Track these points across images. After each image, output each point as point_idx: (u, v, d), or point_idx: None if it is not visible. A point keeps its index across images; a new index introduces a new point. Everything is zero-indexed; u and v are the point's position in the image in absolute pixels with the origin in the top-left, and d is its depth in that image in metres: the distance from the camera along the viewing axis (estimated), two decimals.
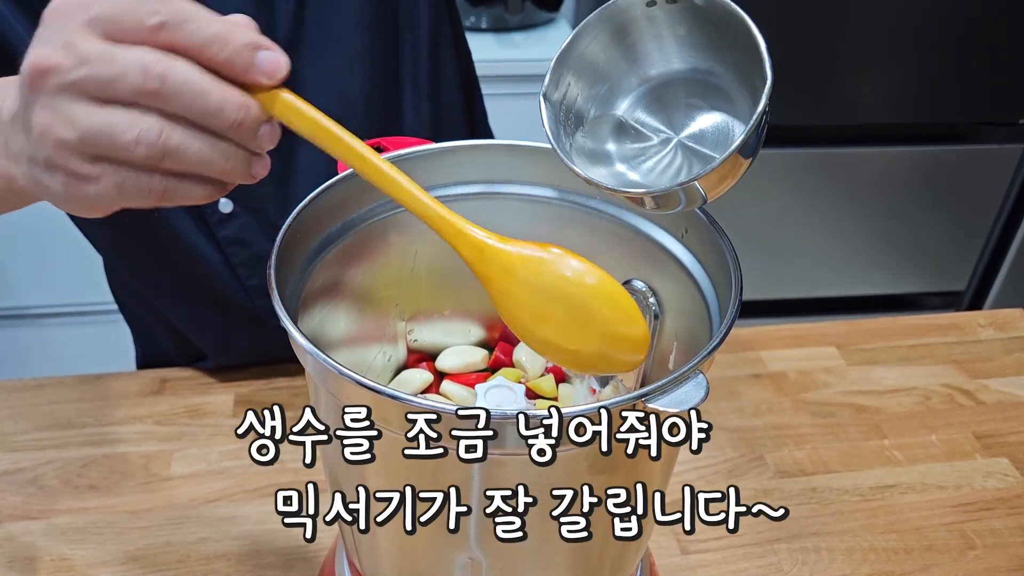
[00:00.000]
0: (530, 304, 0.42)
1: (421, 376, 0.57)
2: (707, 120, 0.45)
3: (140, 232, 0.77)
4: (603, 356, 0.43)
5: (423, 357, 0.59)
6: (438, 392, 0.56)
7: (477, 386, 0.54)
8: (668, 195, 0.42)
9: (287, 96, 0.38)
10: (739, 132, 0.42)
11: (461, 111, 0.87)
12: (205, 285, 0.79)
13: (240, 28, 0.36)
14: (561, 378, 0.58)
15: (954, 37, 1.56)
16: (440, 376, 0.58)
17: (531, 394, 0.55)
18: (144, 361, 0.95)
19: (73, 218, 0.84)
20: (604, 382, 0.57)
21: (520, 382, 0.55)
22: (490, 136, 0.96)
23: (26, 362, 1.86)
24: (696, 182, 0.41)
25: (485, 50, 1.63)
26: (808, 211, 1.71)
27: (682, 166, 0.45)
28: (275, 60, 0.37)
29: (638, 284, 0.52)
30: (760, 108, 0.39)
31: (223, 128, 0.37)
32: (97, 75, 0.35)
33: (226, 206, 0.74)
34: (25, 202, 0.48)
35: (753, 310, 1.74)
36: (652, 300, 0.51)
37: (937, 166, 1.70)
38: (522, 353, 0.57)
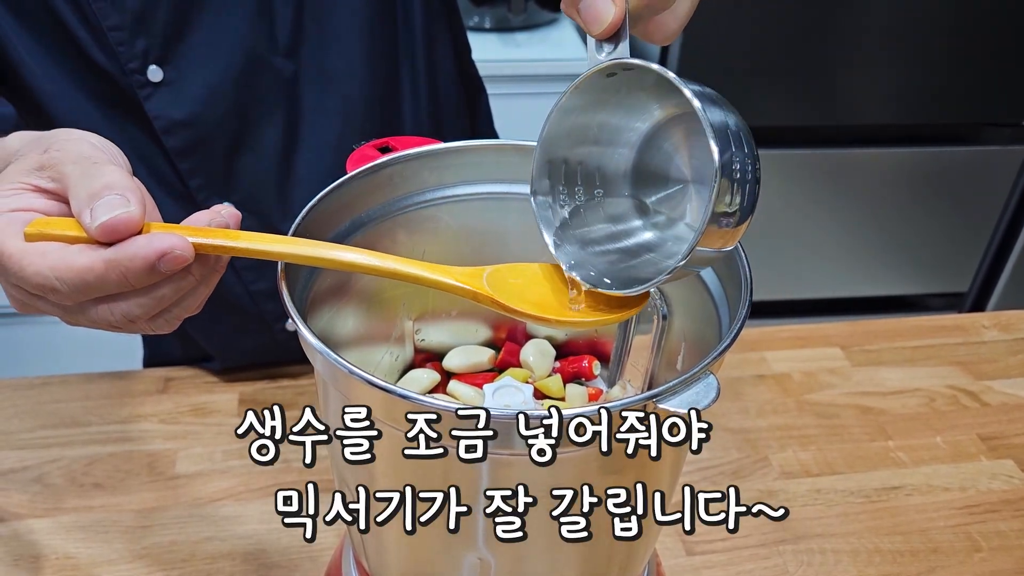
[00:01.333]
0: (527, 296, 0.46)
1: (428, 376, 0.57)
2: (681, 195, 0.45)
3: None
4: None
5: (430, 357, 0.59)
6: (445, 392, 0.56)
7: (485, 386, 0.54)
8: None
9: (200, 243, 0.41)
10: (695, 232, 0.39)
11: (462, 110, 0.87)
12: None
13: (129, 259, 0.39)
14: (568, 378, 0.58)
15: (958, 38, 1.56)
16: (447, 376, 0.58)
17: (538, 394, 0.55)
18: (150, 361, 0.95)
19: None
20: (612, 383, 0.57)
21: (527, 382, 0.55)
22: (495, 136, 0.96)
23: (31, 360, 1.86)
24: (657, 287, 0.42)
25: (488, 50, 1.63)
26: (811, 212, 1.71)
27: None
28: (176, 259, 0.39)
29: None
30: (706, 211, 0.37)
31: (196, 284, 0.43)
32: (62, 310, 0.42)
33: None
34: None
35: (757, 311, 1.73)
36: (660, 301, 0.51)
37: (940, 167, 1.70)
38: (529, 353, 0.57)
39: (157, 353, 0.94)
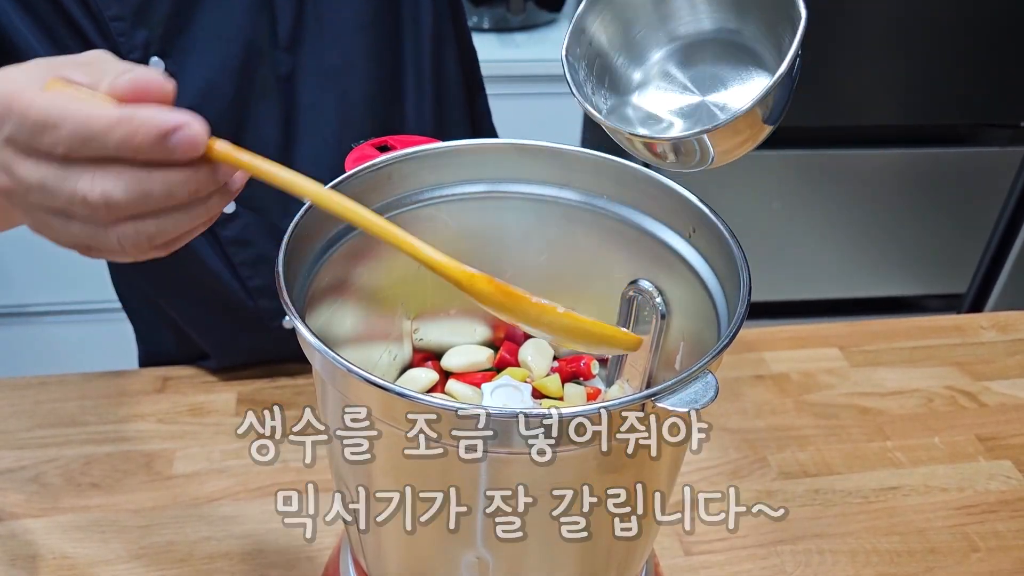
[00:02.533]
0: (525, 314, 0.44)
1: (427, 375, 0.56)
2: (733, 83, 0.45)
3: None
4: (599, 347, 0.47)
5: (428, 356, 0.59)
6: (443, 391, 0.56)
7: (483, 385, 0.53)
8: (686, 145, 0.42)
9: (221, 148, 0.38)
10: (763, 86, 0.41)
11: (464, 109, 0.87)
12: (207, 286, 0.79)
13: (142, 120, 0.36)
14: (567, 378, 0.58)
15: (957, 39, 1.56)
16: (446, 375, 0.58)
17: (537, 394, 0.55)
18: (146, 360, 0.95)
19: None
20: (610, 382, 0.57)
21: (526, 381, 0.55)
22: (493, 135, 0.96)
23: (29, 360, 1.86)
24: (707, 135, 0.41)
25: (487, 50, 1.63)
26: (810, 213, 1.71)
27: (703, 123, 0.45)
28: (190, 138, 0.36)
29: (645, 284, 0.52)
30: (790, 56, 0.39)
31: (184, 200, 0.38)
32: (41, 188, 0.38)
33: (229, 207, 0.74)
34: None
35: (755, 311, 1.73)
36: (659, 300, 0.51)
37: (939, 168, 1.70)
38: (528, 353, 0.57)
39: (153, 351, 0.94)
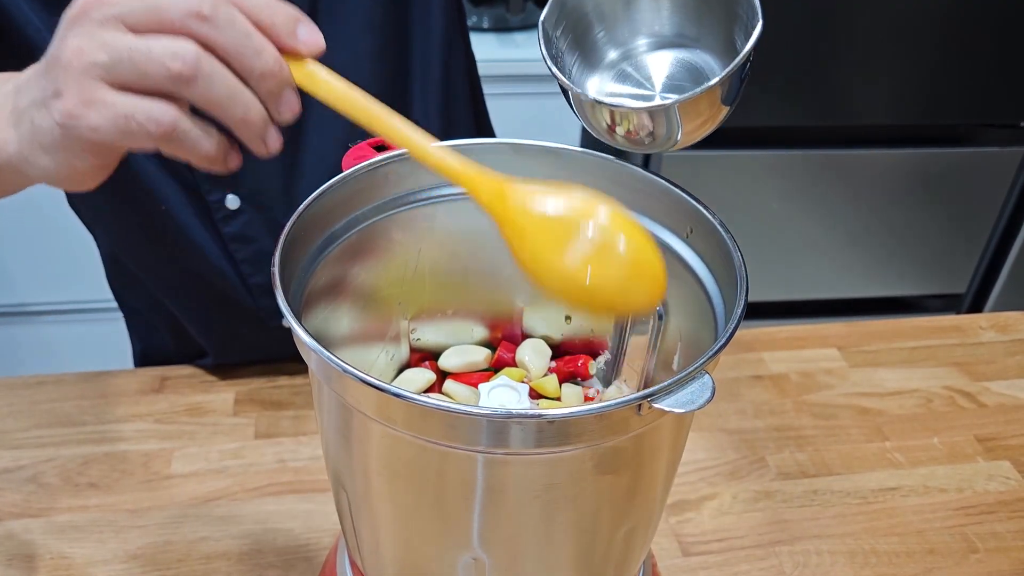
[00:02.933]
0: (547, 241, 0.42)
1: (424, 375, 0.56)
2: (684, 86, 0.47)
3: (145, 226, 0.77)
4: (621, 293, 0.43)
5: (426, 356, 0.59)
6: (441, 391, 0.56)
7: (481, 385, 0.53)
8: (652, 118, 0.44)
9: (314, 66, 0.40)
10: (721, 71, 0.44)
11: (469, 109, 0.87)
12: (208, 281, 0.79)
13: (286, 4, 0.38)
14: (564, 378, 0.57)
15: (955, 39, 1.56)
16: (443, 375, 0.58)
17: (534, 394, 0.55)
18: (143, 359, 0.95)
19: (76, 208, 0.83)
20: (607, 383, 0.57)
21: (523, 382, 0.55)
22: (492, 135, 0.96)
23: (26, 360, 1.86)
24: (676, 107, 0.43)
25: (486, 50, 1.63)
26: (808, 213, 1.71)
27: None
28: (315, 34, 0.39)
29: None
30: (752, 40, 0.42)
31: (257, 72, 0.38)
32: (144, 4, 0.37)
33: (233, 202, 0.74)
34: (9, 180, 0.46)
35: (754, 312, 1.74)
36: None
37: (938, 168, 1.70)
38: (525, 353, 0.57)
39: (149, 349, 0.94)
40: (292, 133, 0.75)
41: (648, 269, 0.42)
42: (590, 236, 0.41)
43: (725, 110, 0.45)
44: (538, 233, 0.42)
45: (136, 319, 0.94)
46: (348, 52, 0.74)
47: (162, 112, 0.38)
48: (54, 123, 0.38)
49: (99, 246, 0.88)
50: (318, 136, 0.75)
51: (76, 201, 0.83)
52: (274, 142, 0.40)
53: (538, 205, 0.42)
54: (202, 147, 0.40)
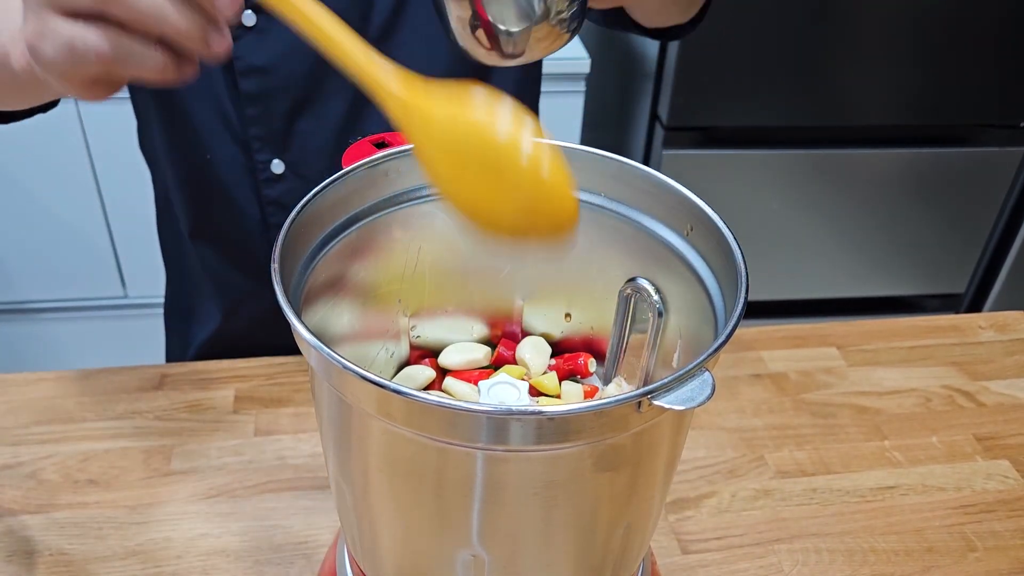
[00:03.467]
0: (448, 157, 0.41)
1: (424, 372, 0.56)
2: None
3: (192, 168, 0.81)
4: (528, 220, 0.41)
5: (426, 353, 0.59)
6: (441, 389, 0.56)
7: (480, 383, 0.53)
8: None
9: None
10: None
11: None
12: (237, 239, 0.83)
13: None
14: (564, 376, 0.57)
15: (956, 39, 1.56)
16: (443, 372, 0.58)
17: (534, 392, 0.55)
18: (170, 302, 0.99)
19: (140, 140, 0.89)
20: (607, 380, 0.57)
21: (523, 379, 0.55)
22: None
23: (26, 357, 1.86)
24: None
25: None
26: (808, 212, 1.71)
27: None
28: None
29: (642, 282, 0.52)
30: None
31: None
32: None
33: (278, 167, 0.78)
34: (41, 87, 0.50)
35: (753, 311, 1.74)
36: (656, 298, 0.51)
37: (938, 168, 1.70)
38: (525, 351, 0.57)
39: (176, 297, 0.98)
40: (351, 113, 0.77)
41: (557, 191, 0.41)
42: (493, 159, 0.39)
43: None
44: (437, 150, 0.41)
45: (171, 267, 0.97)
46: (424, 58, 0.76)
47: (98, 36, 0.39)
48: (26, 51, 0.41)
49: (154, 184, 0.92)
50: (375, 123, 0.76)
51: (140, 134, 0.88)
52: (218, 44, 0.40)
53: (438, 120, 0.40)
54: (147, 63, 0.40)
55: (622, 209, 0.52)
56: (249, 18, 0.73)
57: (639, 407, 0.37)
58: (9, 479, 0.72)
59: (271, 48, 0.75)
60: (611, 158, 0.51)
